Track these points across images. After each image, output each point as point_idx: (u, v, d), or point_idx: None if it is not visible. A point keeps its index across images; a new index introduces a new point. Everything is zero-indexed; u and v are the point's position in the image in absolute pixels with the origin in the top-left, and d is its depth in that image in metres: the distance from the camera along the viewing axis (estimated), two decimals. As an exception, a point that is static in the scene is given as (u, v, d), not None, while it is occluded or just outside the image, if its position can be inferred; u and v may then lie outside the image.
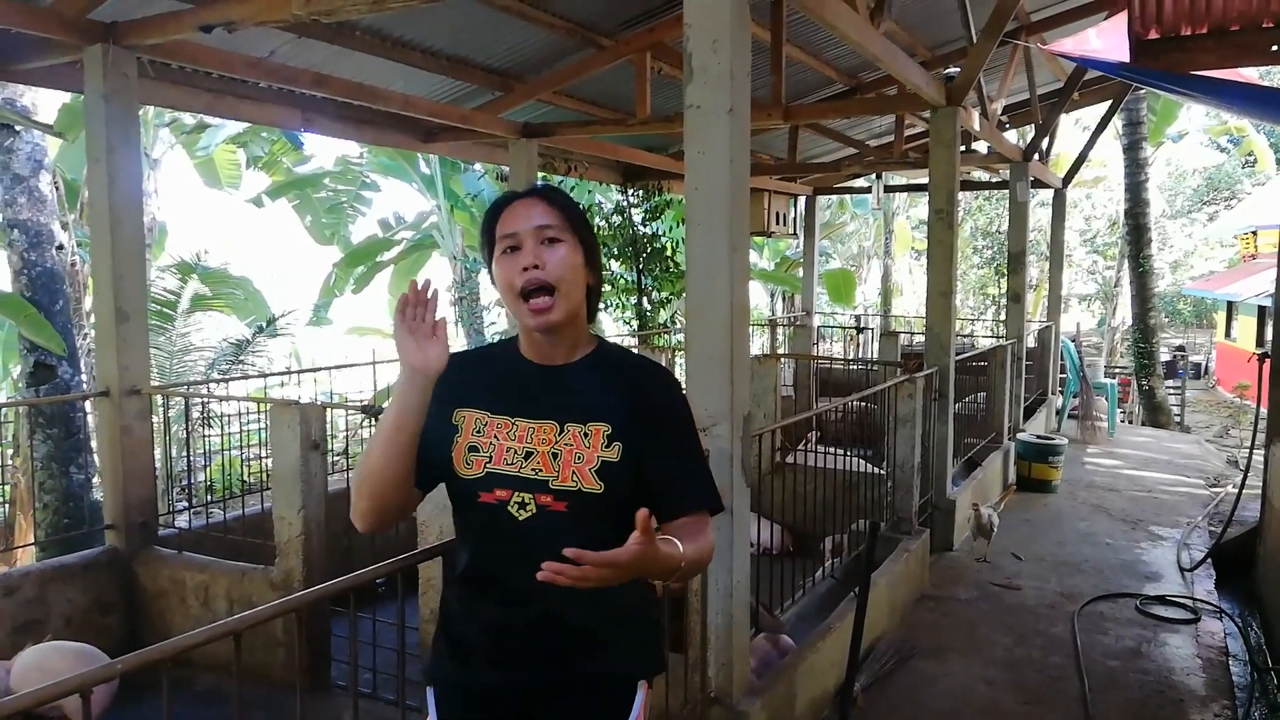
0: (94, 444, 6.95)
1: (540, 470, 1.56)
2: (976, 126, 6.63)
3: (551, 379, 1.63)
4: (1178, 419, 14.86)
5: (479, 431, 1.61)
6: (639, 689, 1.69)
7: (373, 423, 4.78)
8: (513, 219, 1.60)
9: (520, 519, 1.55)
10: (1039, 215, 18.05)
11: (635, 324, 10.91)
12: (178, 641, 1.58)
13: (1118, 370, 16.29)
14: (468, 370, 1.68)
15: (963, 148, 7.68)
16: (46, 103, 8.09)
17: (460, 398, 1.63)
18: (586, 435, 1.58)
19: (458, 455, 1.60)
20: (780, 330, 12.55)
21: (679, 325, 11.04)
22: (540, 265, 1.56)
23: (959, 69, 6.07)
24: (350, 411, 5.69)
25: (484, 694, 1.65)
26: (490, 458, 1.58)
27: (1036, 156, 8.85)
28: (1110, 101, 10.00)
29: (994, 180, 11.32)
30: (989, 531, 5.69)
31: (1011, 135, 10.41)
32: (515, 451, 1.58)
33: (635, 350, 7.27)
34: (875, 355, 10.11)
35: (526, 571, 1.49)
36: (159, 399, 4.82)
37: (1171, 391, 15.35)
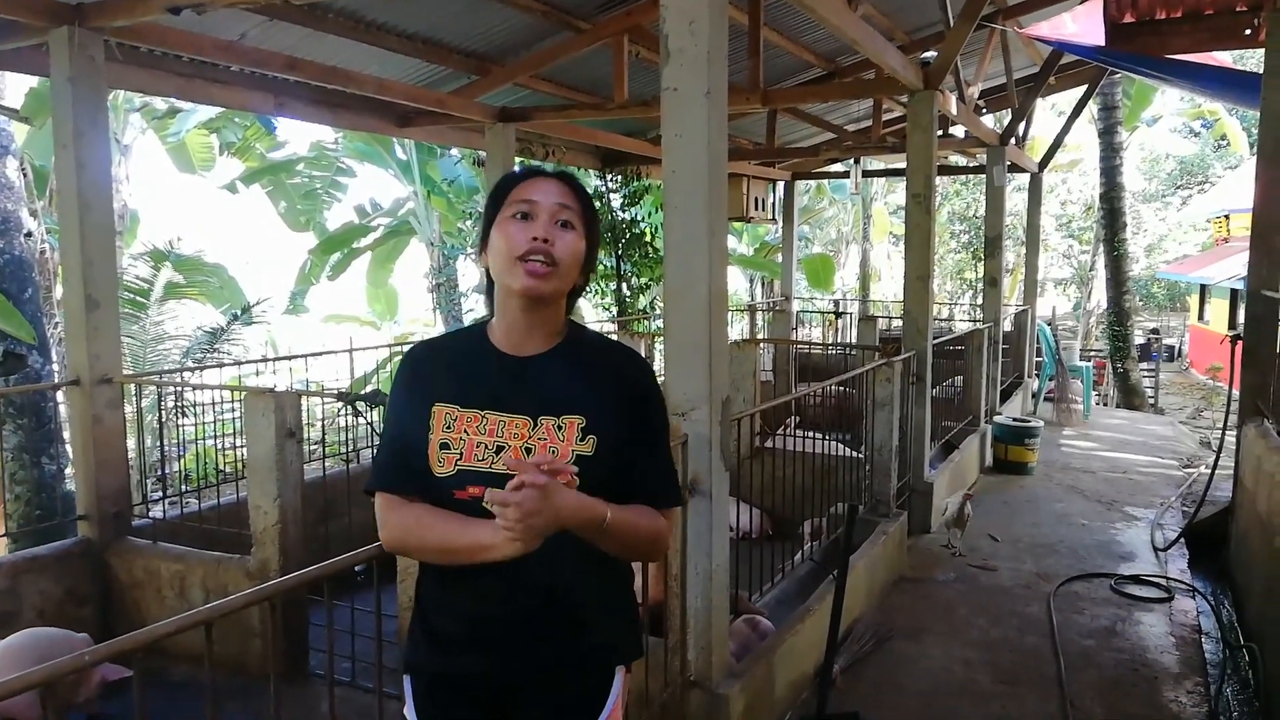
0: (66, 434, 6.86)
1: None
2: (954, 111, 6.64)
3: (523, 370, 1.60)
4: (1152, 401, 15.03)
5: (449, 427, 1.57)
6: (617, 673, 1.69)
7: (347, 410, 4.74)
8: (534, 189, 1.59)
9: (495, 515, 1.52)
10: (1015, 200, 18.13)
11: (614, 310, 10.89)
12: (149, 631, 1.56)
13: (1093, 353, 16.44)
14: (438, 361, 1.66)
15: (940, 132, 7.70)
16: (13, 87, 7.93)
17: (433, 391, 1.60)
18: (560, 429, 1.55)
19: (431, 453, 1.57)
20: (759, 315, 12.58)
21: (658, 311, 11.03)
22: (550, 241, 1.55)
23: (936, 53, 6.07)
24: (326, 400, 5.65)
25: (462, 682, 1.64)
26: (461, 454, 1.55)
27: (1013, 141, 8.89)
28: (1086, 86, 10.07)
29: (971, 165, 11.37)
30: (965, 523, 5.63)
31: (988, 120, 10.45)
32: (486, 447, 1.55)
33: (614, 337, 7.25)
34: (854, 340, 10.14)
35: (504, 564, 1.51)
36: (132, 388, 4.75)
37: (1146, 374, 15.53)
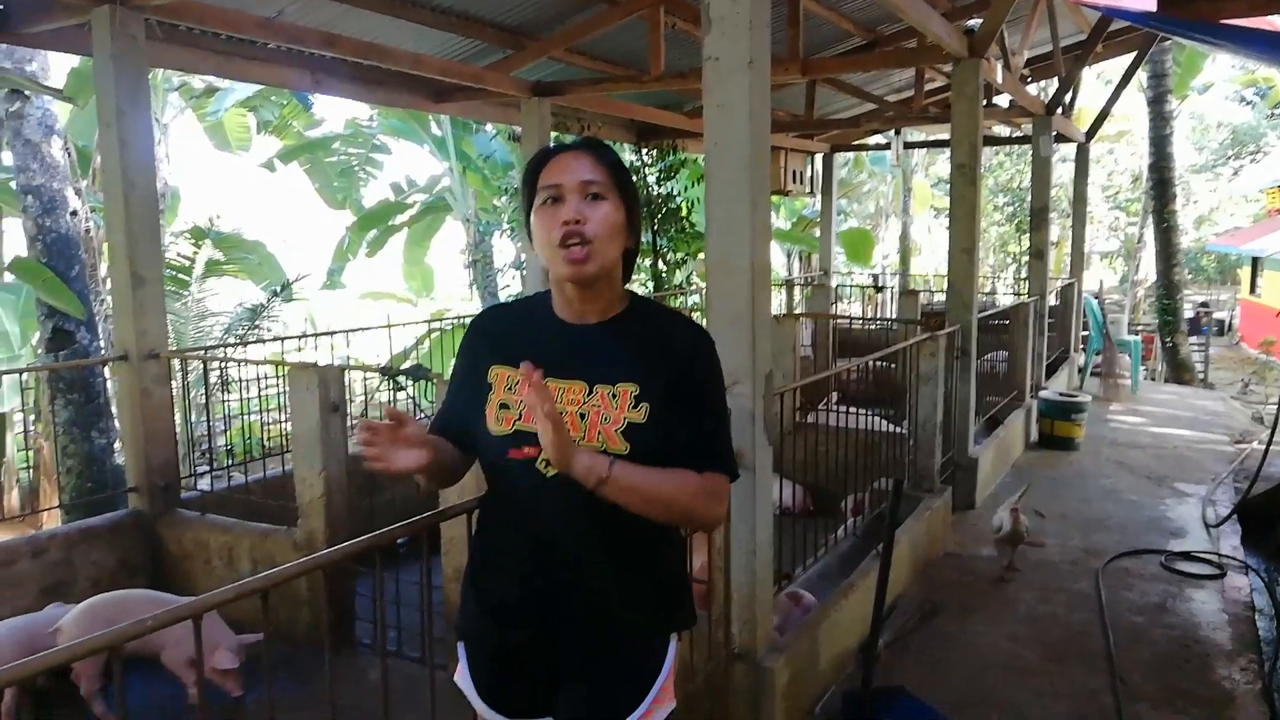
0: (114, 409, 7.00)
1: (567, 430, 1.52)
2: (999, 79, 6.47)
3: (582, 338, 1.62)
4: (1201, 376, 14.68)
5: (510, 389, 1.60)
6: (671, 642, 1.69)
7: (390, 384, 4.78)
8: (557, 170, 1.58)
9: (547, 475, 1.54)
10: (1061, 171, 17.73)
11: (650, 286, 10.84)
12: (208, 598, 1.58)
13: (1141, 327, 16.10)
14: (502, 325, 1.71)
15: (984, 102, 7.52)
16: (56, 67, 8.04)
17: (494, 354, 1.64)
18: (614, 396, 1.56)
19: (490, 412, 1.60)
20: (797, 290, 12.46)
21: (694, 287, 10.96)
22: (581, 220, 1.54)
23: (981, 20, 5.91)
24: (367, 374, 5.69)
25: (516, 648, 1.65)
26: (520, 415, 1.57)
27: (1059, 110, 8.66)
28: (1134, 53, 9.77)
29: (1015, 135, 11.11)
30: (1020, 540, 4.91)
31: (1034, 89, 10.19)
32: None
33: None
34: (894, 314, 10.01)
35: (553, 527, 1.56)
36: (177, 363, 4.82)
37: (1195, 348, 15.15)
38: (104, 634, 1.44)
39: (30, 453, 8.25)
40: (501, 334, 1.68)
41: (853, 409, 4.98)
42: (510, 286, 14.96)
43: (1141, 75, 13.36)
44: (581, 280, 1.57)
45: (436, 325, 10.31)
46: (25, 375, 6.89)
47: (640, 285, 11.39)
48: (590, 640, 1.62)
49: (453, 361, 1.74)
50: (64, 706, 3.42)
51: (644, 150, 9.95)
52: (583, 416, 1.56)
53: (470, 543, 1.79)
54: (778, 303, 11.81)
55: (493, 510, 1.68)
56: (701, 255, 10.71)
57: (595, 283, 1.59)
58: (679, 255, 10.75)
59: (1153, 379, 13.47)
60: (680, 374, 1.59)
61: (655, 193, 10.25)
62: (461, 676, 1.72)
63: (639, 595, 1.64)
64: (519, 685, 1.67)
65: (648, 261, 10.67)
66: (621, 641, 1.64)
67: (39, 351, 7.26)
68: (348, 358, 6.88)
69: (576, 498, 1.50)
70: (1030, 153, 8.95)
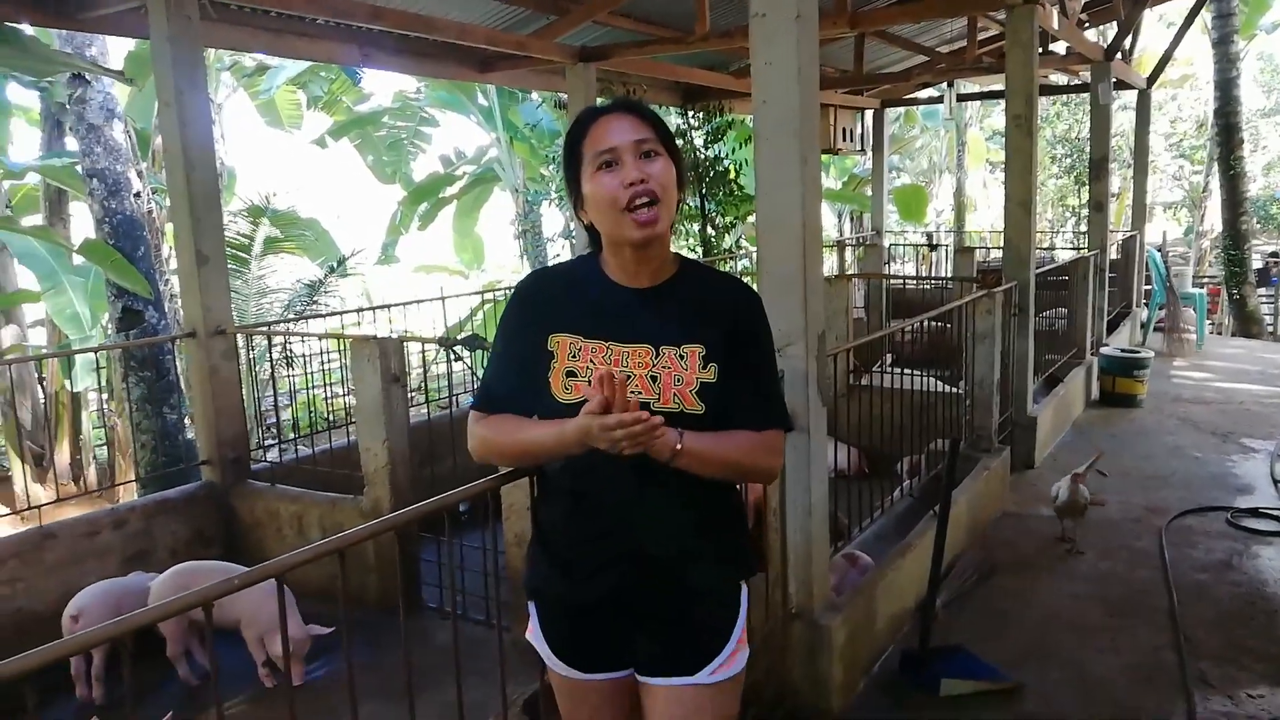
0: (183, 385, 7.23)
1: (639, 392, 1.57)
2: (1055, 26, 6.28)
3: (641, 302, 1.63)
4: (1271, 329, 14.19)
5: (574, 356, 1.61)
6: (742, 589, 1.75)
7: (449, 355, 4.86)
8: (606, 133, 1.58)
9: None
10: (1120, 120, 17.10)
11: (700, 250, 10.79)
12: (288, 558, 1.64)
13: (1206, 280, 15.59)
14: (553, 292, 1.69)
15: (1040, 50, 7.30)
16: (113, 51, 8.22)
17: (552, 322, 1.63)
18: (682, 357, 1.59)
19: (555, 380, 1.60)
20: (849, 251, 12.29)
21: (744, 251, 10.88)
22: (645, 178, 1.55)
23: (1037, -36, 5.72)
24: (427, 346, 5.78)
25: (591, 605, 1.68)
26: (589, 382, 1.57)
27: (1119, 56, 8.36)
28: (1200, -8, 9.37)
29: (1073, 84, 10.76)
30: (1082, 509, 4.72)
31: (1091, 34, 9.85)
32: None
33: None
34: (949, 273, 9.83)
35: (624, 488, 1.60)
36: (241, 339, 4.96)
37: (1264, 300, 14.62)
38: (195, 592, 1.53)
39: (105, 429, 8.57)
40: (553, 300, 1.66)
41: (908, 370, 4.93)
42: (561, 255, 15.00)
43: (1206, 16, 12.81)
44: (650, 241, 1.57)
45: (490, 295, 10.42)
46: (98, 354, 7.14)
47: (689, 250, 11.34)
48: (666, 595, 1.65)
49: (495, 331, 1.74)
50: (149, 671, 3.58)
51: (690, 113, 9.85)
52: (654, 379, 1.58)
53: (534, 507, 1.83)
54: (829, 264, 11.67)
55: (561, 475, 1.70)
56: (751, 218, 10.62)
57: (656, 244, 1.60)
58: (728, 219, 10.65)
59: (1219, 333, 13.07)
60: (736, 333, 1.63)
61: (703, 156, 10.15)
62: (534, 634, 1.77)
63: (710, 548, 1.68)
64: (593, 640, 1.71)
65: (696, 226, 10.61)
66: (697, 593, 1.67)
67: (109, 331, 7.50)
68: (405, 330, 7.00)
69: (650, 459, 1.53)
70: (1089, 101, 8.68)
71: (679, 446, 1.52)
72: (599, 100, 6.93)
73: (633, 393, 1.55)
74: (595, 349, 1.60)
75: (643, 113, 1.61)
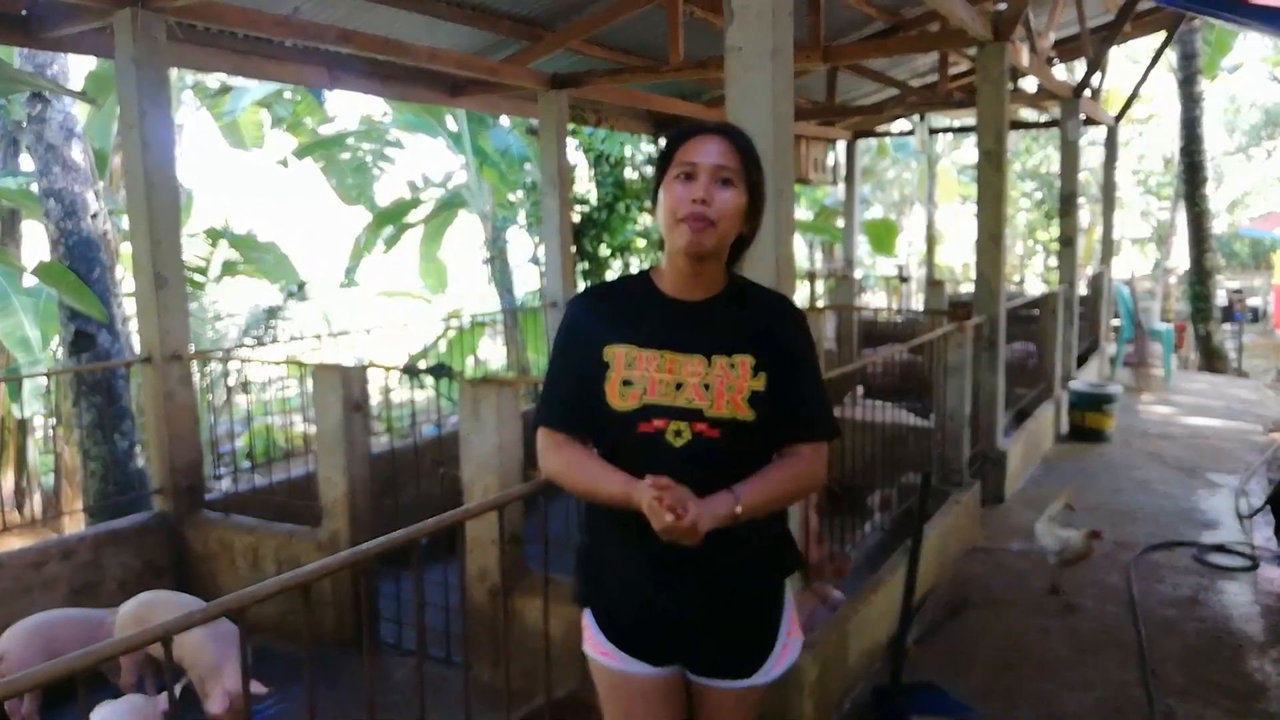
0: (135, 411, 7.03)
1: (694, 400, 1.67)
2: (1025, 63, 6.35)
3: (693, 313, 1.73)
4: (1235, 364, 14.39)
5: (630, 365, 1.70)
6: (785, 586, 1.85)
7: (412, 383, 4.76)
8: (695, 149, 1.67)
9: (676, 446, 1.66)
10: (1090, 155, 17.37)
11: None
12: (247, 593, 1.60)
13: (1173, 315, 15.82)
14: (607, 306, 1.79)
15: (1011, 86, 7.39)
16: (74, 69, 8.08)
17: (607, 334, 1.73)
18: (734, 366, 1.69)
19: (611, 390, 1.69)
20: (819, 283, 12.34)
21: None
22: (709, 202, 1.64)
23: (1006, 3, 5.79)
24: (389, 372, 5.67)
25: (649, 614, 1.76)
26: (644, 390, 1.68)
27: (1088, 93, 8.49)
28: (1164, 33, 9.56)
29: (1043, 119, 10.93)
30: (1086, 557, 4.43)
31: (1060, 71, 10.01)
32: (667, 383, 1.69)
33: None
34: (920, 305, 9.89)
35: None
36: (195, 365, 4.84)
37: (1229, 335, 14.86)
38: (157, 626, 1.51)
39: (54, 456, 8.32)
40: (609, 313, 1.75)
41: (879, 402, 4.90)
42: (527, 284, 14.92)
43: (1171, 56, 13.09)
44: (698, 253, 1.66)
45: (455, 324, 10.29)
46: (48, 379, 6.93)
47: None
48: (722, 598, 1.74)
49: (550, 348, 1.82)
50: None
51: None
52: (707, 387, 1.67)
53: (584, 515, 1.87)
54: (801, 295, 11.71)
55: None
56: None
57: (708, 259, 1.69)
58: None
59: (1185, 368, 13.23)
60: (784, 345, 1.74)
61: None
62: (591, 642, 1.83)
63: (761, 551, 1.78)
64: (648, 641, 1.78)
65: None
66: (749, 595, 1.78)
67: (58, 355, 7.30)
68: (365, 358, 6.88)
69: (705, 464, 1.63)
70: (1059, 137, 8.79)
71: (739, 510, 1.61)
72: (570, 128, 6.90)
73: (687, 400, 1.66)
74: (650, 358, 1.69)
75: (735, 141, 1.70)
